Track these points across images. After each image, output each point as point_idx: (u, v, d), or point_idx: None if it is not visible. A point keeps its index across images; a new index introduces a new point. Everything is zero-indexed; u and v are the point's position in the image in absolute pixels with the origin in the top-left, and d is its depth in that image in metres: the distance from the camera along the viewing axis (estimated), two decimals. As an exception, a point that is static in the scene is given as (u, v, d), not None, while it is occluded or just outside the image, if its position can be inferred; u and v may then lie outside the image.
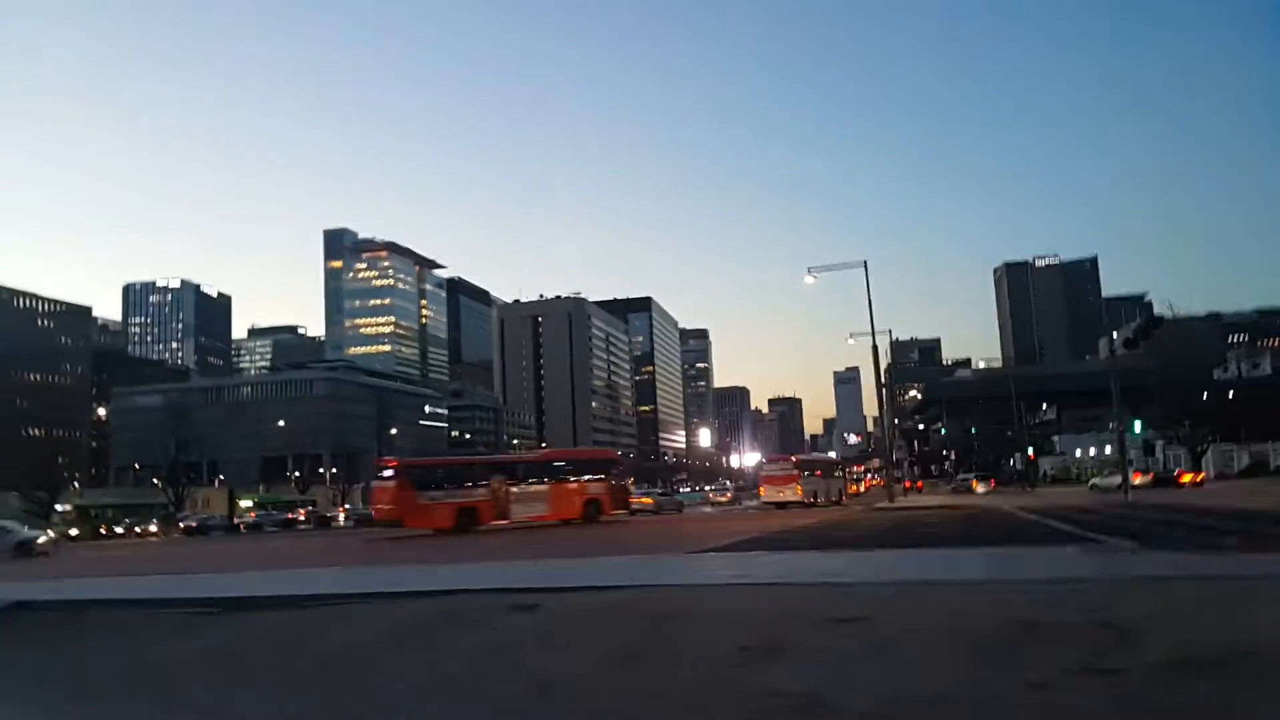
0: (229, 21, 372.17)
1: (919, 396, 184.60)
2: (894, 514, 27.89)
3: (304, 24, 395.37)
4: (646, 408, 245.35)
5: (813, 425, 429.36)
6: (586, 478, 35.59)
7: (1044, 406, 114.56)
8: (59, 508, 68.55)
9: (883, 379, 50.29)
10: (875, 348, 41.03)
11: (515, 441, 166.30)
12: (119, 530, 64.33)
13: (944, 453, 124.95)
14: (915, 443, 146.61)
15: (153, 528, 64.10)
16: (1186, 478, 54.96)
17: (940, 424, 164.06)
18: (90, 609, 10.02)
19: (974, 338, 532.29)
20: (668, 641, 5.95)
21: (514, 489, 32.97)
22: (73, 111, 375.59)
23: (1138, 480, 56.22)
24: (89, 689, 6.79)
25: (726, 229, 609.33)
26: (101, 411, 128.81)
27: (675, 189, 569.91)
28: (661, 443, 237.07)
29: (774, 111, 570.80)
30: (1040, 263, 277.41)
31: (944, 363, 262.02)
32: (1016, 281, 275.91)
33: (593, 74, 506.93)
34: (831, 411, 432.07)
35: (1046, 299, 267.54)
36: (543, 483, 34.11)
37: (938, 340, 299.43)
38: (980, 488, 65.85)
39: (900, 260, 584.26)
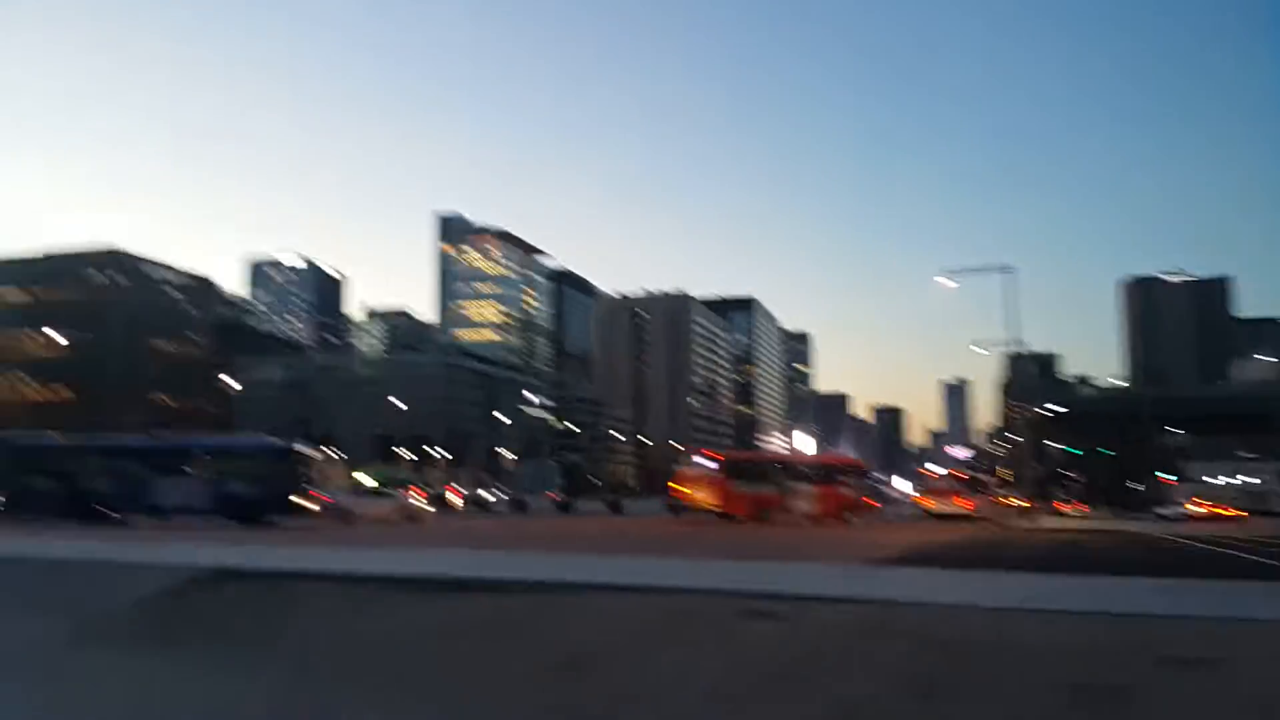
0: (351, 2, 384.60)
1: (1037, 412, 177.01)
2: (1049, 535, 26.58)
3: (426, 7, 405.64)
4: (745, 408, 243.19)
5: (914, 435, 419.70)
6: (844, 481, 40.17)
7: (1173, 430, 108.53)
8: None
9: (1006, 391, 48.65)
10: (1017, 357, 39.28)
11: (621, 436, 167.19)
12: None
13: (1061, 472, 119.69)
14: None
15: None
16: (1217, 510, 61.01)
17: (1059, 442, 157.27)
18: (299, 582, 10.03)
19: (1093, 354, 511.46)
20: (964, 672, 5.45)
21: (793, 486, 37.28)
22: (200, 88, 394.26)
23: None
24: (324, 669, 6.64)
25: (833, 231, 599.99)
26: (232, 383, 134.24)
27: (782, 189, 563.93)
28: (759, 445, 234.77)
29: (888, 114, 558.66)
30: (1169, 279, 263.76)
31: (1062, 378, 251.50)
32: (1143, 297, 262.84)
33: (706, 71, 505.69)
34: (935, 423, 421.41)
35: (1174, 317, 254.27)
36: (813, 483, 38.18)
37: (1052, 355, 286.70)
38: (1067, 510, 67.67)
39: (1017, 271, 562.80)
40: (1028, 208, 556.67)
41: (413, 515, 32.80)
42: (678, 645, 6.55)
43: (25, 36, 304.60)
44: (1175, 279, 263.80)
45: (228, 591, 9.62)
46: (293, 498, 27.93)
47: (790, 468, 41.16)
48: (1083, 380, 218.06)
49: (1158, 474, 71.70)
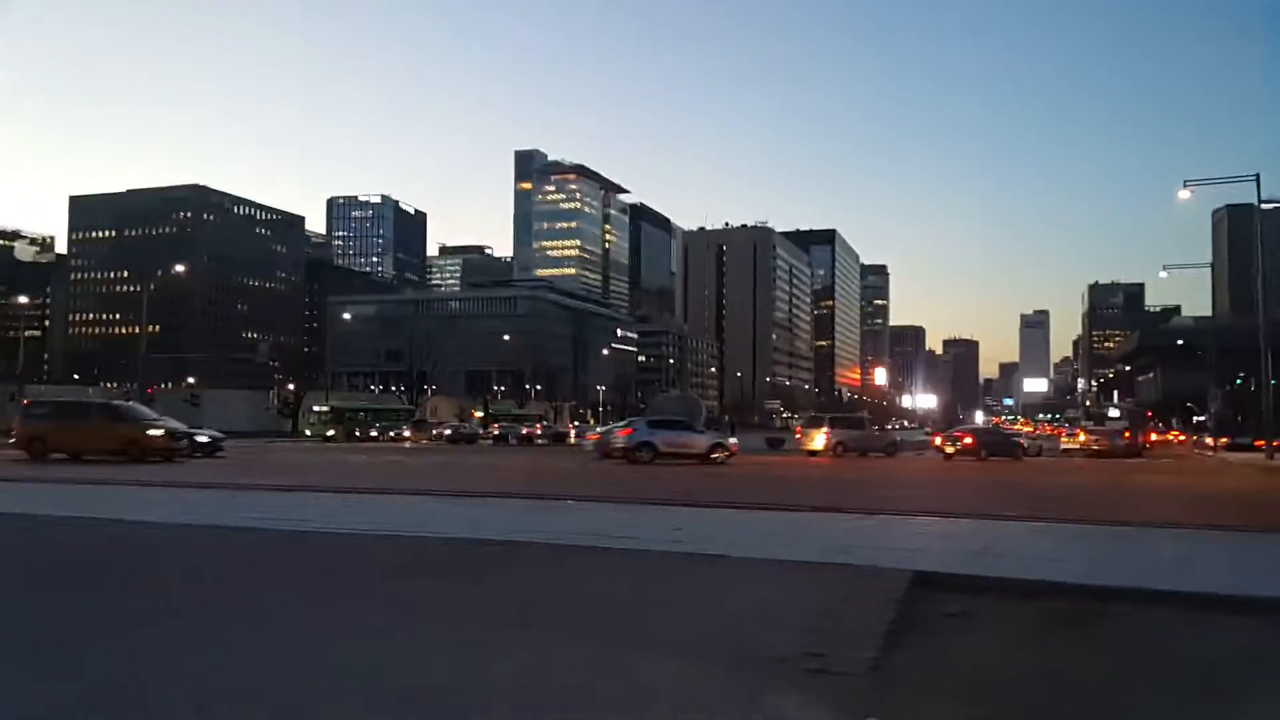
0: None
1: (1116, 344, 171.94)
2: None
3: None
4: (823, 342, 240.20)
5: (989, 370, 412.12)
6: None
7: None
8: (316, 408, 70.12)
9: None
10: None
11: (712, 369, 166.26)
12: (373, 434, 64.97)
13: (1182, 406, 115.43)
14: (1117, 394, 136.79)
15: (405, 432, 65.27)
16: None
17: (1152, 374, 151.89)
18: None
19: (1181, 285, 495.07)
20: None
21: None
22: (282, 31, 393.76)
23: None
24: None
25: (910, 163, 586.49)
26: (336, 316, 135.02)
27: (861, 120, 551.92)
28: (837, 379, 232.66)
29: (964, 49, 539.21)
30: (1267, 206, 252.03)
31: (1149, 309, 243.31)
32: (1237, 225, 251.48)
33: (784, 4, 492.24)
34: (1007, 356, 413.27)
35: (1273, 245, 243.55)
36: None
37: (1141, 285, 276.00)
38: None
39: (1100, 202, 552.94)
40: (1113, 140, 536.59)
41: None
42: None
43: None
44: (1271, 205, 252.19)
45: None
46: None
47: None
48: (1167, 310, 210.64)
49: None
